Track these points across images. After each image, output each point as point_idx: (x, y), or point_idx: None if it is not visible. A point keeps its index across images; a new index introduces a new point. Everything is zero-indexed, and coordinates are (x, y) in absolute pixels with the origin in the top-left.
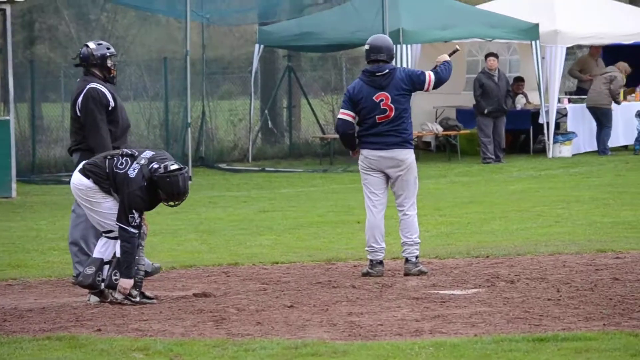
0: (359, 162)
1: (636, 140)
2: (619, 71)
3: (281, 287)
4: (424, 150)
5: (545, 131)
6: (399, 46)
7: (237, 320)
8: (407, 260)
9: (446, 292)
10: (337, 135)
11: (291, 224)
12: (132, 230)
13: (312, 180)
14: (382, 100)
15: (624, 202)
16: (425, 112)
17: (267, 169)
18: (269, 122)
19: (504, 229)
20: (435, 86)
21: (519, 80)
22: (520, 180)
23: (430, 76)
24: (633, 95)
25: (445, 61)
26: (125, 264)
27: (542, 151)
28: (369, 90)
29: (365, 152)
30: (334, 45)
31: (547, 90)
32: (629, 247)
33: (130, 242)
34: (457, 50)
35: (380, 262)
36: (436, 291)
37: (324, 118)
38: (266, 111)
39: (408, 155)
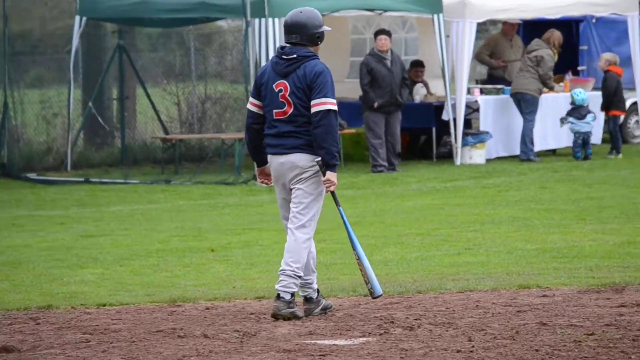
0: None
1: (575, 143)
2: (547, 46)
3: (109, 338)
4: None
5: (452, 131)
6: (263, 20)
7: None
8: (278, 296)
9: (326, 342)
10: (183, 136)
11: (123, 252)
12: None
13: (151, 195)
14: (280, 90)
15: (551, 222)
16: None
17: (91, 179)
18: (98, 118)
19: (400, 257)
20: (315, 124)
21: (418, 64)
22: (421, 195)
23: (327, 104)
24: (562, 84)
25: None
26: None
27: (447, 156)
28: (271, 74)
29: (268, 158)
30: (178, 19)
31: (453, 78)
32: (559, 282)
33: None
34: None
35: (309, 299)
36: (313, 341)
37: (166, 113)
38: (90, 104)
39: (312, 163)
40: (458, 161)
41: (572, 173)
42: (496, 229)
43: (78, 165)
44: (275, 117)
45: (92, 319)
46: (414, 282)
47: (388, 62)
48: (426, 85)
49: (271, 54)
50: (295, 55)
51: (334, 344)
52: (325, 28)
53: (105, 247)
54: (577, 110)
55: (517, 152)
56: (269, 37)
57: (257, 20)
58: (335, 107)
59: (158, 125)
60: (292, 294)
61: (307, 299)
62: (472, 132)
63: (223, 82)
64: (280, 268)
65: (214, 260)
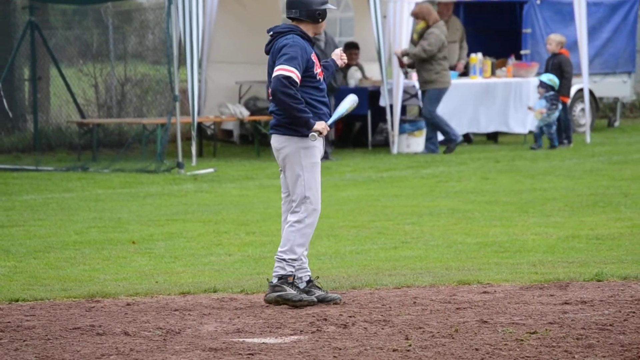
0: None
1: (553, 131)
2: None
3: (23, 335)
4: (223, 142)
5: (389, 117)
6: None
7: None
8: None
9: (255, 340)
10: (101, 120)
11: (37, 244)
12: None
13: (67, 183)
14: (269, 68)
15: (493, 215)
16: (225, 89)
17: (1, 166)
18: (4, 101)
19: (334, 251)
20: (272, 95)
21: (353, 47)
22: (355, 185)
23: (278, 71)
24: (504, 69)
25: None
26: None
27: (384, 145)
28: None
29: None
30: None
31: (390, 62)
32: (501, 278)
33: None
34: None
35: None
36: (242, 339)
37: (83, 95)
38: None
39: (284, 143)
40: (395, 150)
41: (515, 163)
42: (435, 221)
43: None
44: (268, 97)
45: (3, 314)
46: (349, 277)
47: (322, 44)
48: (361, 68)
49: (195, 33)
50: (271, 32)
51: (263, 343)
52: (329, 6)
53: (17, 239)
54: (555, 97)
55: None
56: (192, 15)
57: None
58: (286, 73)
59: (74, 108)
60: (280, 277)
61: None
62: (410, 119)
63: (144, 62)
64: None
65: (135, 253)
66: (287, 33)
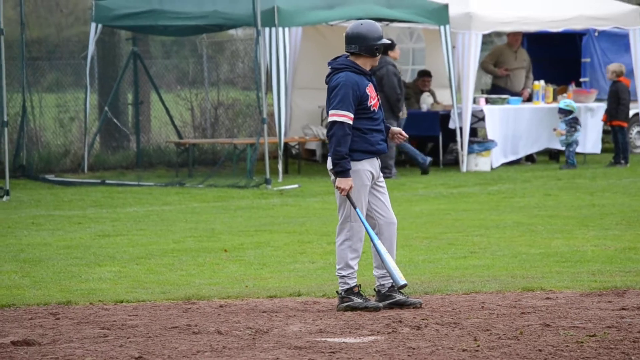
0: None
1: (573, 151)
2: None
3: (126, 333)
4: (306, 161)
5: (458, 139)
6: (273, 29)
7: None
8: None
9: (336, 340)
10: (197, 141)
11: (139, 252)
12: None
13: (165, 197)
14: (328, 100)
15: (555, 228)
16: (308, 112)
17: (108, 181)
18: (115, 121)
19: (408, 260)
20: (327, 136)
21: (425, 74)
22: (427, 200)
23: (332, 116)
24: (565, 95)
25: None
26: None
27: (454, 163)
28: None
29: None
30: (191, 26)
31: (459, 88)
32: (562, 286)
33: None
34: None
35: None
36: (324, 339)
37: (180, 118)
38: (106, 108)
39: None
40: (464, 168)
41: (575, 181)
42: (501, 233)
43: (94, 168)
44: None
45: (109, 314)
46: (421, 283)
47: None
48: (433, 94)
49: (281, 62)
50: (330, 67)
51: (343, 342)
52: (384, 41)
53: (121, 246)
54: (574, 120)
55: (520, 159)
56: (279, 46)
57: (267, 29)
58: (340, 119)
59: (172, 129)
60: (346, 290)
61: (376, 292)
62: (478, 140)
63: (235, 88)
64: None
65: (227, 260)
66: (342, 70)
